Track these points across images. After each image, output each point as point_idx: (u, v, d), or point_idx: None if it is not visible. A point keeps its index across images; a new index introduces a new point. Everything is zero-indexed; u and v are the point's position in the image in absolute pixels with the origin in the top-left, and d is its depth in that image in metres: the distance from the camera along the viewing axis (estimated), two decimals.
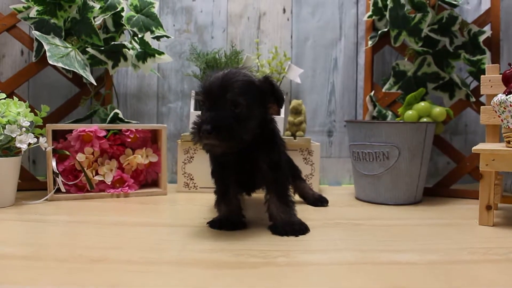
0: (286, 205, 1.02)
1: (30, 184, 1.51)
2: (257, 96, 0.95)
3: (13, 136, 1.21)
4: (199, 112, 1.52)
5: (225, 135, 0.88)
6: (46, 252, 0.84)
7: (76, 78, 1.56)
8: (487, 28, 1.49)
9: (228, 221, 1.03)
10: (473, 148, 1.09)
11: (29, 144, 1.24)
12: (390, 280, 0.72)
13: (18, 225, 1.06)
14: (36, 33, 1.35)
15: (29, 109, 1.28)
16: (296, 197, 1.33)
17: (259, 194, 1.14)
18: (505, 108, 1.07)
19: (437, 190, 1.52)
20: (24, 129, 1.24)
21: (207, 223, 1.05)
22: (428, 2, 1.46)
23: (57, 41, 1.38)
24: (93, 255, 0.82)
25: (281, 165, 1.05)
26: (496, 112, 1.09)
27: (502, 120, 1.09)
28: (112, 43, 1.45)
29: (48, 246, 0.88)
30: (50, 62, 1.31)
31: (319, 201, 1.33)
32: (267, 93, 0.97)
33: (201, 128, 0.87)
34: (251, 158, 1.00)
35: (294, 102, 1.56)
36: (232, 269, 0.76)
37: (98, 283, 0.69)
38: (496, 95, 1.12)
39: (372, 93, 1.60)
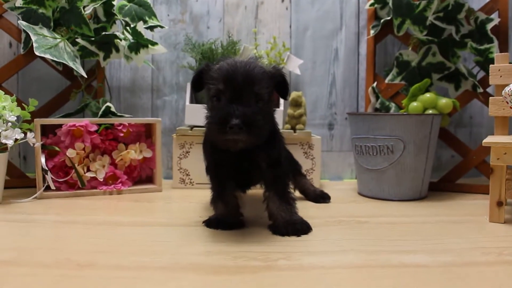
0: (286, 203, 0.96)
1: (20, 182, 1.44)
2: (272, 89, 0.92)
3: None
4: (196, 105, 1.46)
5: (257, 131, 0.82)
6: (30, 257, 0.78)
7: (67, 71, 1.49)
8: (494, 15, 1.43)
9: (225, 220, 0.98)
10: (484, 141, 1.04)
11: (16, 139, 1.18)
12: (402, 286, 0.67)
13: (2, 226, 1.00)
14: (22, 23, 1.28)
15: (16, 103, 1.22)
16: (297, 193, 1.28)
17: (257, 190, 1.09)
18: None
19: (443, 185, 1.46)
20: (10, 124, 1.18)
21: (203, 222, 1.00)
22: None
23: (45, 31, 1.31)
24: (81, 259, 0.76)
25: (281, 161, 0.99)
26: (507, 103, 1.04)
27: None
28: (103, 33, 1.38)
29: (33, 250, 0.82)
30: (37, 53, 1.24)
31: (321, 198, 1.28)
32: (276, 85, 0.93)
33: (228, 121, 0.80)
34: (249, 154, 0.94)
35: (293, 94, 1.50)
36: (231, 275, 0.70)
37: None
38: (506, 85, 1.07)
39: (374, 84, 1.54)
